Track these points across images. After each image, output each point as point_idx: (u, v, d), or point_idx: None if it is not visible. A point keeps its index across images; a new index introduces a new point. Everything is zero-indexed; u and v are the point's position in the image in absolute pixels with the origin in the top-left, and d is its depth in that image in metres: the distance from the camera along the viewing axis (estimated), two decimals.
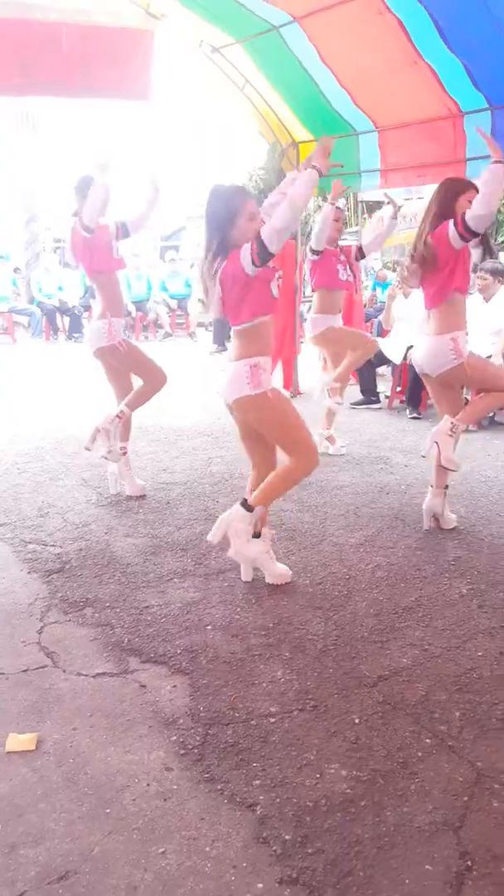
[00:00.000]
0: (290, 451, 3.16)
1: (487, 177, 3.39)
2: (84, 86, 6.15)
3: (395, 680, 2.61)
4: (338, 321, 5.27)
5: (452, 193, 3.61)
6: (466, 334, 3.71)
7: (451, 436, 3.76)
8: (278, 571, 3.36)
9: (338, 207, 5.24)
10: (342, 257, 5.21)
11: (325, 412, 5.40)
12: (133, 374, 4.52)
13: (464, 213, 3.48)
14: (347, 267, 5.21)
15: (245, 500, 3.27)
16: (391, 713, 2.42)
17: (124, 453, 4.57)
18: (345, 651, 2.80)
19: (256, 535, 3.31)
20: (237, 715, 2.44)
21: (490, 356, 6.14)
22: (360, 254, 5.44)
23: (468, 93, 5.52)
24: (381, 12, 5.36)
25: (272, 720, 2.41)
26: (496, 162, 3.38)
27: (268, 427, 3.20)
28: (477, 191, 3.48)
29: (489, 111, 5.52)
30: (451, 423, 3.74)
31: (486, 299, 6.57)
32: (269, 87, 6.78)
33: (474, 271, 8.43)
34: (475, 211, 3.41)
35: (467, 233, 3.48)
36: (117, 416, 4.45)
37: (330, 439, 5.42)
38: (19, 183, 13.62)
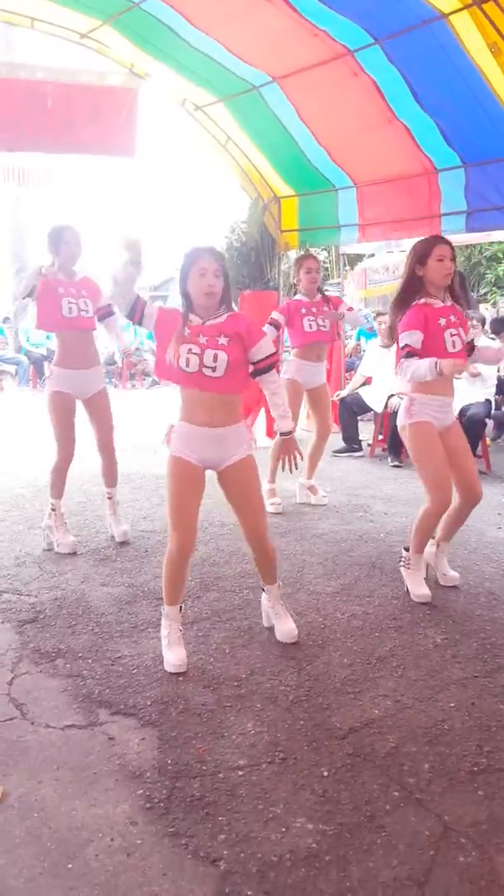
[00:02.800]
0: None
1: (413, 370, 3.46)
2: (70, 142, 6.34)
3: (366, 732, 2.59)
4: (315, 369, 5.18)
5: (418, 258, 3.54)
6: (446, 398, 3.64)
7: (407, 567, 3.77)
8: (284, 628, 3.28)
9: (314, 258, 5.28)
10: (313, 308, 5.05)
11: (306, 462, 5.40)
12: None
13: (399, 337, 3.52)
14: (317, 318, 5.05)
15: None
16: (360, 765, 2.40)
17: (109, 498, 4.60)
18: (317, 702, 2.79)
19: (263, 589, 3.32)
20: (205, 768, 2.41)
21: (392, 395, 6.41)
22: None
23: (442, 150, 5.73)
24: (356, 73, 5.59)
25: (240, 773, 2.38)
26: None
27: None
28: (444, 244, 3.53)
29: (462, 168, 5.72)
30: (401, 557, 3.81)
31: (386, 345, 6.87)
32: (251, 144, 7.00)
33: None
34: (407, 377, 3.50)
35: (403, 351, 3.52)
36: (51, 509, 4.47)
37: (311, 489, 5.43)
38: (8, 235, 13.87)
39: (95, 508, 5.22)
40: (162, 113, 7.16)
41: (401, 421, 3.71)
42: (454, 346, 3.51)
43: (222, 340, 2.93)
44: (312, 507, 5.31)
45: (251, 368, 3.05)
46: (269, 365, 3.05)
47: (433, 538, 3.88)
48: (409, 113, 5.60)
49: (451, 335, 3.50)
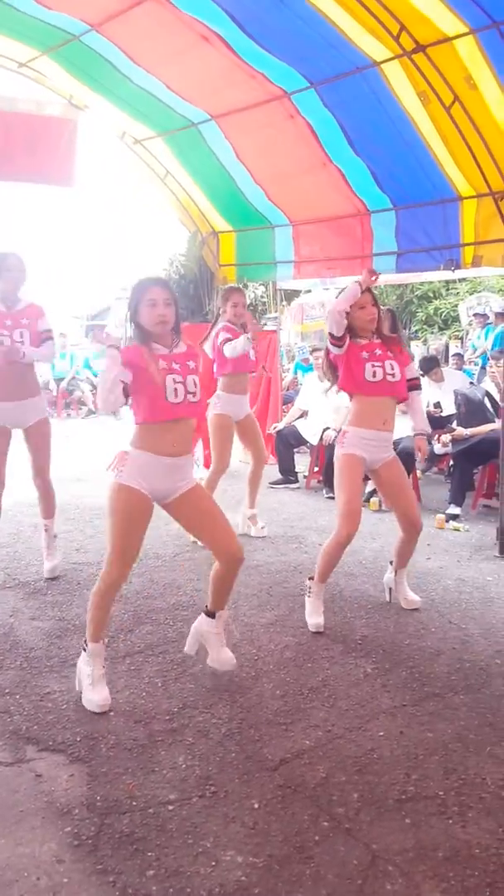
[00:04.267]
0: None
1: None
2: (8, 170, 6.32)
3: (297, 763, 2.60)
4: (241, 401, 5.20)
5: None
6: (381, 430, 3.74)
7: (308, 596, 3.84)
8: (220, 656, 3.23)
9: (240, 290, 5.32)
10: (229, 336, 4.98)
11: (247, 490, 5.43)
12: None
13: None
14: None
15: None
16: (291, 797, 2.41)
17: (46, 530, 4.52)
18: (248, 734, 2.78)
19: (210, 615, 3.22)
20: (135, 803, 2.38)
21: (327, 429, 6.65)
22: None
23: (373, 193, 5.94)
24: (292, 115, 5.77)
25: (170, 808, 2.36)
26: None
27: None
28: (365, 292, 3.68)
29: (393, 211, 5.94)
30: (305, 584, 3.89)
31: (322, 379, 6.98)
32: (189, 179, 7.12)
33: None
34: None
35: (333, 339, 3.68)
36: None
37: (252, 519, 5.44)
38: None
39: (26, 540, 5.13)
40: (101, 145, 7.23)
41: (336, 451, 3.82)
42: (374, 377, 3.65)
43: (192, 365, 3.00)
44: (248, 539, 5.31)
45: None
46: None
47: (390, 565, 4.06)
48: (343, 156, 5.80)
49: (373, 366, 3.65)
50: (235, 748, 2.69)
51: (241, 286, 5.41)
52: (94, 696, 2.97)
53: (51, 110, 6.45)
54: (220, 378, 5.17)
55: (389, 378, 3.67)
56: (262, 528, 5.44)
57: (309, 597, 3.83)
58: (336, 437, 6.62)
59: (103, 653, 3.08)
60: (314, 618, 3.76)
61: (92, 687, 3.00)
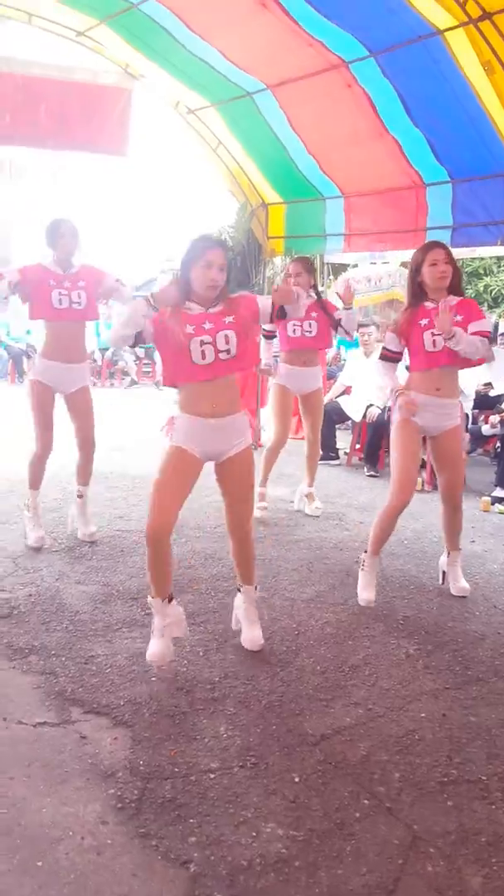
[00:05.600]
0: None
1: (465, 347, 3.49)
2: (63, 139, 6.33)
3: (338, 739, 2.61)
4: (307, 374, 5.14)
5: (415, 266, 3.63)
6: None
7: (361, 569, 3.82)
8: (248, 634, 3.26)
9: (301, 259, 5.25)
10: (314, 313, 4.91)
11: (306, 466, 5.36)
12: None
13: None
14: (303, 323, 4.95)
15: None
16: (331, 773, 2.42)
17: (80, 497, 4.56)
18: (289, 708, 2.80)
19: (239, 590, 3.30)
20: (177, 770, 2.41)
21: (371, 405, 6.66)
22: (336, 325, 5.12)
23: (431, 166, 5.79)
24: (350, 85, 5.64)
25: (212, 776, 2.39)
26: (475, 333, 3.50)
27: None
28: (437, 248, 3.59)
29: (450, 184, 5.79)
30: (360, 557, 3.85)
31: (367, 355, 6.98)
32: (241, 150, 7.02)
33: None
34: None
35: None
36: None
37: (309, 496, 5.37)
38: None
39: (72, 505, 5.19)
40: (155, 114, 7.17)
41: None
42: (434, 346, 3.58)
43: (228, 319, 2.97)
44: (290, 514, 5.31)
45: (274, 317, 3.09)
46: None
47: (445, 546, 4.00)
48: (401, 127, 5.66)
49: (433, 335, 3.56)
50: (276, 721, 2.71)
51: (307, 256, 5.27)
52: (151, 646, 3.03)
53: (106, 79, 6.41)
54: (282, 352, 5.17)
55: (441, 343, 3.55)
56: (318, 507, 5.35)
57: (363, 570, 3.82)
58: (380, 413, 6.60)
59: (163, 609, 3.03)
60: (366, 592, 3.75)
61: (153, 637, 3.05)
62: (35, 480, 4.46)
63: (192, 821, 2.17)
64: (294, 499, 5.52)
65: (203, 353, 2.91)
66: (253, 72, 6.01)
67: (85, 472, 4.57)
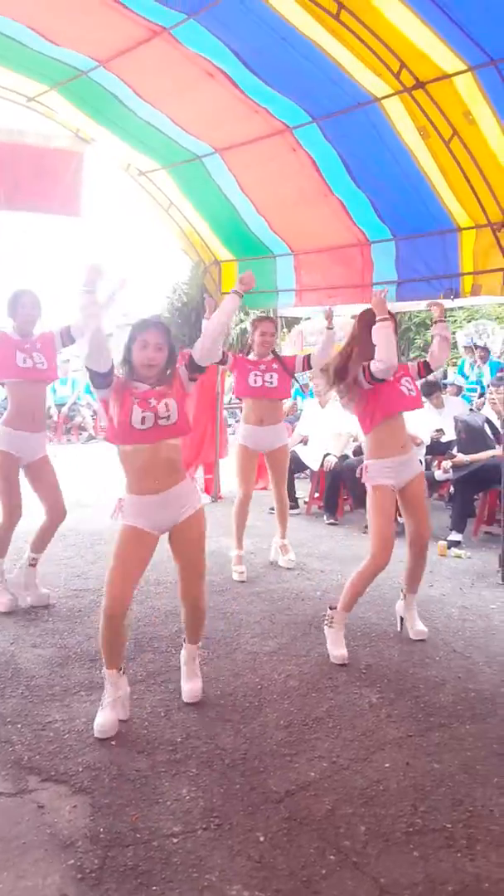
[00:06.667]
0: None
1: (375, 336, 3.65)
2: (17, 201, 6.42)
3: (302, 795, 2.58)
4: (269, 433, 5.13)
5: (365, 324, 3.77)
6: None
7: (329, 626, 3.79)
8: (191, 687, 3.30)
9: (270, 319, 5.39)
10: (262, 366, 5.07)
11: (277, 519, 5.38)
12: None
13: (369, 365, 3.65)
14: (264, 374, 5.05)
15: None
16: (297, 829, 2.39)
17: (33, 565, 4.50)
18: (253, 765, 2.76)
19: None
20: (139, 836, 2.36)
21: (328, 454, 6.80)
22: (307, 364, 5.24)
23: (374, 224, 6.01)
24: (294, 149, 5.86)
25: (175, 840, 2.33)
26: (381, 320, 3.69)
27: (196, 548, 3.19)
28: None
29: (393, 241, 6.01)
30: (327, 613, 3.84)
31: (322, 405, 7.19)
32: (193, 210, 7.20)
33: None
34: (376, 364, 3.64)
35: (374, 381, 3.69)
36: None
37: (283, 549, 5.37)
38: None
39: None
40: (107, 176, 7.33)
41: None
42: (410, 392, 3.79)
43: (170, 391, 3.03)
44: (252, 565, 5.29)
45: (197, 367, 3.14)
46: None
47: (401, 593, 4.04)
48: (344, 188, 5.88)
49: (406, 383, 3.80)
50: (240, 779, 2.67)
51: (270, 315, 5.41)
52: (99, 717, 3.01)
53: (58, 143, 6.56)
54: (244, 403, 5.25)
55: (410, 392, 3.80)
56: (291, 559, 5.34)
57: (331, 627, 3.79)
58: (337, 462, 6.69)
59: (117, 680, 3.06)
60: (337, 649, 3.72)
61: (100, 709, 3.03)
62: (2, 549, 4.41)
63: (154, 888, 2.11)
64: (269, 551, 5.53)
65: (143, 419, 2.94)
66: (202, 136, 6.21)
67: (45, 539, 4.52)
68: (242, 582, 4.97)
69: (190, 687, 3.28)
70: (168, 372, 3.06)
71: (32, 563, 4.50)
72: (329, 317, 5.31)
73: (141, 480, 3.02)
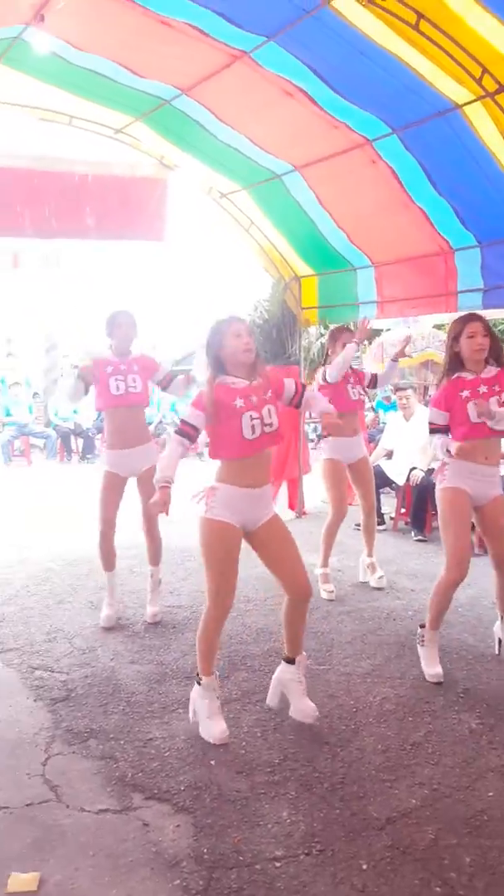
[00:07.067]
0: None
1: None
2: (105, 231, 6.68)
3: (404, 822, 2.56)
4: (353, 444, 5.14)
5: (453, 337, 3.69)
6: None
7: (421, 644, 3.74)
8: (302, 706, 3.25)
9: (349, 331, 5.41)
10: (352, 378, 5.17)
11: (363, 538, 5.33)
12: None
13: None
14: (357, 386, 5.19)
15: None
16: (400, 858, 2.36)
17: (152, 576, 4.68)
18: (352, 790, 2.75)
19: (289, 661, 3.28)
20: (242, 858, 2.38)
21: (414, 468, 6.71)
22: (373, 382, 5.41)
23: (457, 231, 5.92)
24: (374, 161, 5.84)
25: (277, 864, 2.35)
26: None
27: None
28: (475, 321, 3.65)
29: (478, 248, 5.89)
30: (418, 632, 3.79)
31: (407, 418, 7.17)
32: (273, 228, 7.27)
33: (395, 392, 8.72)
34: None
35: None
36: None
37: (371, 567, 5.31)
38: (42, 315, 14.43)
39: (124, 584, 5.24)
40: (189, 200, 7.49)
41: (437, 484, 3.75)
42: (478, 417, 3.57)
43: (268, 394, 3.11)
44: (339, 584, 5.26)
45: (293, 403, 3.27)
46: (302, 391, 3.28)
47: (499, 614, 3.93)
48: (426, 197, 5.82)
49: (476, 406, 3.56)
50: (340, 804, 2.66)
51: (349, 326, 5.44)
52: (214, 728, 3.07)
53: (143, 171, 6.76)
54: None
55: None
56: (381, 577, 5.26)
57: (423, 645, 3.74)
58: (424, 476, 6.59)
59: (216, 685, 3.15)
60: (431, 668, 3.67)
61: (210, 719, 3.09)
62: (106, 562, 4.58)
63: None
64: (356, 569, 5.48)
65: (253, 427, 3.02)
66: (281, 155, 6.27)
67: (154, 550, 4.67)
68: (331, 601, 4.95)
69: (309, 706, 3.23)
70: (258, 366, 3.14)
71: (151, 575, 4.66)
72: (363, 328, 5.30)
73: (242, 474, 3.08)
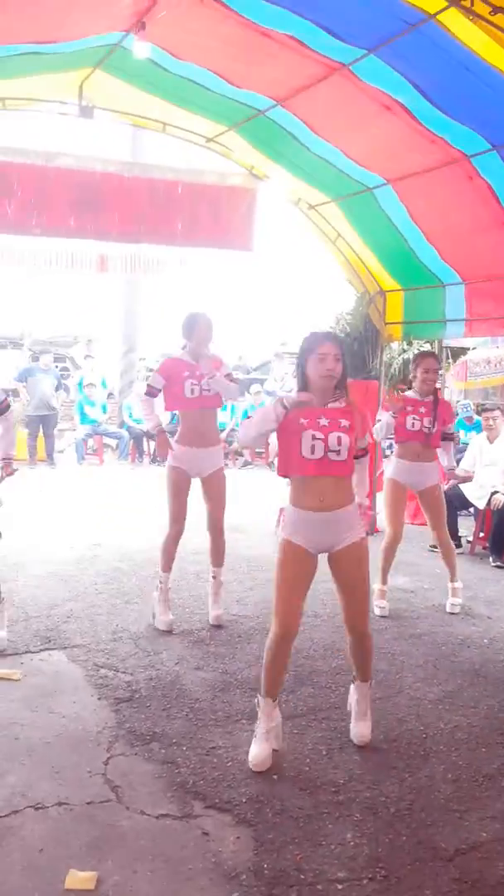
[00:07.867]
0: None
1: None
2: (193, 237, 6.76)
3: (474, 856, 2.44)
4: (419, 469, 4.97)
5: None
6: None
7: None
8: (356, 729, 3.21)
9: (434, 356, 5.24)
10: (422, 409, 4.91)
11: (445, 563, 5.17)
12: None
13: None
14: (423, 419, 4.89)
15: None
16: (468, 892, 2.26)
17: (214, 578, 4.64)
18: (420, 818, 2.64)
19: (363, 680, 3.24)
20: (303, 877, 2.32)
21: (496, 492, 6.45)
22: (438, 440, 5.02)
23: None
24: (471, 177, 5.72)
25: (339, 887, 2.27)
26: None
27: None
28: None
29: None
30: None
31: (491, 440, 6.92)
32: (360, 241, 7.20)
33: (479, 412, 8.37)
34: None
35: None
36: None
37: (454, 592, 5.13)
38: (121, 317, 14.77)
39: (191, 588, 5.24)
40: (277, 210, 7.51)
41: None
42: None
43: (344, 423, 3.00)
44: (411, 605, 5.13)
45: (355, 454, 3.14)
46: (365, 452, 3.25)
47: None
48: None
49: None
50: (406, 831, 2.56)
51: (434, 351, 5.26)
52: (253, 750, 2.99)
53: (233, 181, 6.82)
54: (396, 444, 5.12)
55: None
56: (454, 603, 5.08)
57: None
58: None
59: (272, 711, 3.04)
60: None
61: (255, 740, 3.02)
62: (166, 563, 4.57)
63: None
64: (429, 591, 5.33)
65: (313, 447, 2.94)
66: (373, 168, 6.21)
67: (216, 553, 4.64)
68: (384, 617, 4.85)
69: (359, 730, 3.18)
70: (339, 391, 3.06)
71: (214, 576, 4.63)
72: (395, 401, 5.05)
73: (304, 496, 3.01)
